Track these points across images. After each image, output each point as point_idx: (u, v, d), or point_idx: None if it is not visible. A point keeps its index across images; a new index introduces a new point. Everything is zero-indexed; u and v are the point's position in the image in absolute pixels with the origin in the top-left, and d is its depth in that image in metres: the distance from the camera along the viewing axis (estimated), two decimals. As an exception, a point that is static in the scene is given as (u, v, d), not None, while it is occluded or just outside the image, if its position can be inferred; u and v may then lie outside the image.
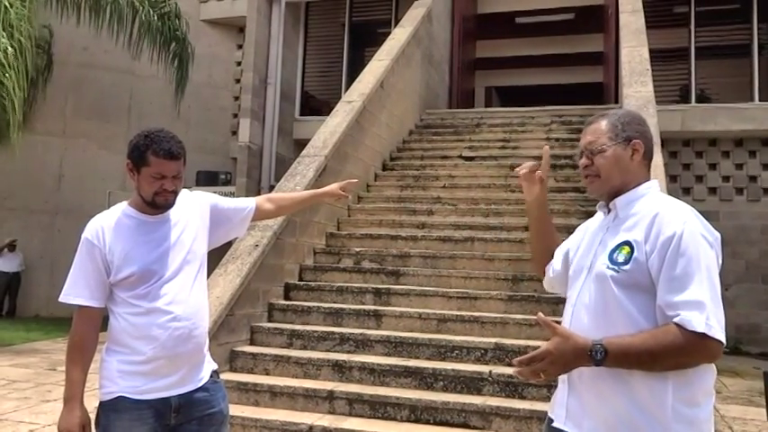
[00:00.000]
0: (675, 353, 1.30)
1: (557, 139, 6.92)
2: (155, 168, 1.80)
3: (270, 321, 4.53)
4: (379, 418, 3.58)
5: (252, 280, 4.32)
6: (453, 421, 3.48)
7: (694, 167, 8.65)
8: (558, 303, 3.84)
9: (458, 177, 6.35)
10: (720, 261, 1.40)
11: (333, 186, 2.34)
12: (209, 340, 2.00)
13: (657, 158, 4.10)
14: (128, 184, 1.77)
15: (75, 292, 1.81)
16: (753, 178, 8.46)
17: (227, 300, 4.04)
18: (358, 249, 5.24)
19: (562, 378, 1.48)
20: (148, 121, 9.47)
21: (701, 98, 8.87)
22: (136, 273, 1.79)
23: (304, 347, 4.21)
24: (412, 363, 3.89)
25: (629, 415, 1.34)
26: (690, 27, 8.89)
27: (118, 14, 8.76)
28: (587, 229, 1.63)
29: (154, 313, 1.79)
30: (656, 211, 1.40)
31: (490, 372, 3.67)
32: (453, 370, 3.74)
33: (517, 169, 1.73)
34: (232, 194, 9.06)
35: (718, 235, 1.41)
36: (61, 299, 1.83)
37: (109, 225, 1.84)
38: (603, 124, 1.53)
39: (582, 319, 1.44)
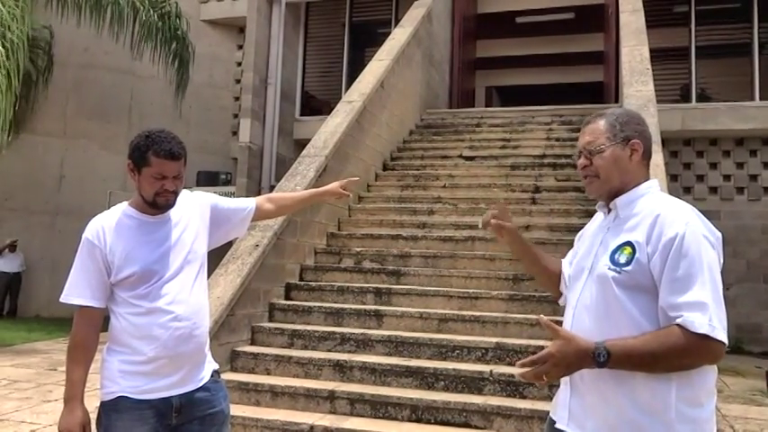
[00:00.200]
0: (678, 354, 1.29)
1: (557, 139, 6.92)
2: (156, 169, 1.80)
3: (271, 321, 4.53)
4: (380, 417, 3.58)
5: (253, 280, 4.32)
6: (454, 421, 3.48)
7: (695, 167, 8.65)
8: (558, 303, 3.83)
9: (458, 177, 6.35)
10: (722, 261, 1.39)
11: (334, 185, 2.34)
12: (210, 340, 2.00)
13: (658, 158, 4.10)
14: (128, 185, 1.78)
15: (76, 292, 1.81)
16: (753, 177, 8.45)
17: (228, 300, 4.04)
18: (359, 249, 5.24)
19: (564, 379, 1.48)
20: (149, 121, 9.48)
21: (702, 97, 8.86)
22: (137, 273, 1.80)
23: (305, 347, 4.21)
24: (413, 362, 3.89)
25: (632, 416, 1.34)
26: (690, 26, 8.89)
27: (118, 14, 8.76)
28: (586, 232, 1.62)
29: (155, 313, 1.79)
30: (657, 212, 1.39)
31: (491, 371, 3.67)
32: (454, 370, 3.74)
33: (480, 224, 1.75)
34: (232, 195, 9.06)
35: (719, 235, 1.40)
36: (62, 299, 1.83)
37: (109, 225, 1.84)
38: (602, 124, 1.52)
39: (583, 320, 1.44)
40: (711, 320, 1.29)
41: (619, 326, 1.36)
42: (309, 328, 4.35)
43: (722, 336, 1.29)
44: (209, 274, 3.00)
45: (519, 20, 10.91)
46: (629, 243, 1.40)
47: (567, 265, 1.65)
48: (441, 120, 8.11)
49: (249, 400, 3.79)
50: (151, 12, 9.10)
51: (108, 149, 10.17)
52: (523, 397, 3.57)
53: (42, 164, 10.24)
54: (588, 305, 1.44)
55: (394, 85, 6.94)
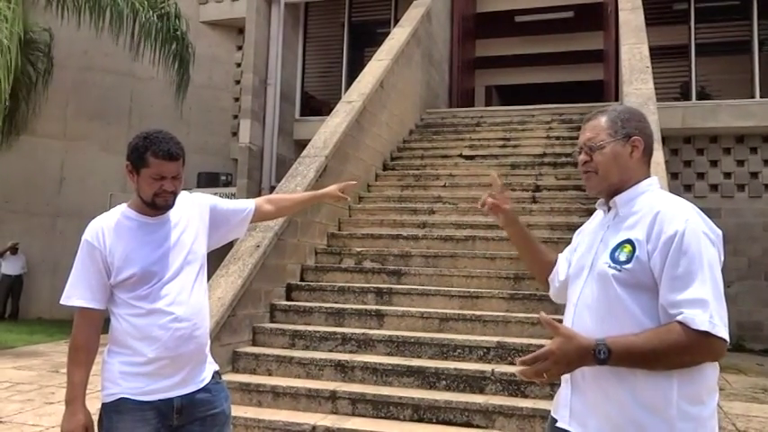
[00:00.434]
0: (679, 352, 1.29)
1: (557, 138, 6.92)
2: (154, 169, 1.80)
3: (272, 322, 4.53)
4: (382, 417, 3.58)
5: (253, 280, 4.32)
6: (456, 420, 3.48)
7: (695, 164, 8.65)
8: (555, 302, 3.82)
9: (458, 176, 6.35)
10: (722, 258, 1.39)
11: (332, 188, 2.36)
12: (212, 341, 2.00)
13: (658, 156, 4.10)
14: (129, 186, 1.77)
15: (77, 294, 1.81)
16: (754, 175, 8.45)
17: (229, 300, 4.04)
18: (359, 249, 5.24)
19: (565, 378, 1.47)
20: (149, 122, 9.48)
21: (702, 95, 8.86)
22: (136, 274, 1.80)
23: (306, 348, 4.21)
24: (414, 362, 3.89)
25: (634, 412, 1.34)
26: (690, 24, 8.88)
27: (118, 16, 8.76)
28: (585, 230, 1.62)
29: (155, 314, 1.79)
30: (657, 209, 1.39)
31: (493, 370, 3.67)
32: (456, 369, 3.74)
33: (479, 204, 1.77)
34: (233, 196, 9.07)
35: (719, 232, 1.40)
36: (62, 301, 1.83)
37: (109, 227, 1.85)
38: (603, 120, 1.51)
39: (584, 318, 1.43)
40: (712, 318, 1.28)
41: (620, 324, 1.36)
42: (310, 328, 4.35)
43: (723, 333, 1.29)
44: (210, 275, 3.01)
45: (518, 19, 10.91)
46: (629, 241, 1.40)
47: (565, 261, 1.65)
48: (440, 119, 8.11)
49: (251, 400, 3.79)
50: (150, 13, 9.10)
51: (108, 151, 10.18)
52: (525, 396, 3.56)
53: (43, 166, 10.25)
54: (589, 303, 1.44)
55: (393, 84, 6.94)
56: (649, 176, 1.51)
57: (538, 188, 5.88)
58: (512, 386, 3.60)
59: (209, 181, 10.05)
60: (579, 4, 10.13)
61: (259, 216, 2.20)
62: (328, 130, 5.60)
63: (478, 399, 3.53)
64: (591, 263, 1.48)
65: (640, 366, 1.33)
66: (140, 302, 1.80)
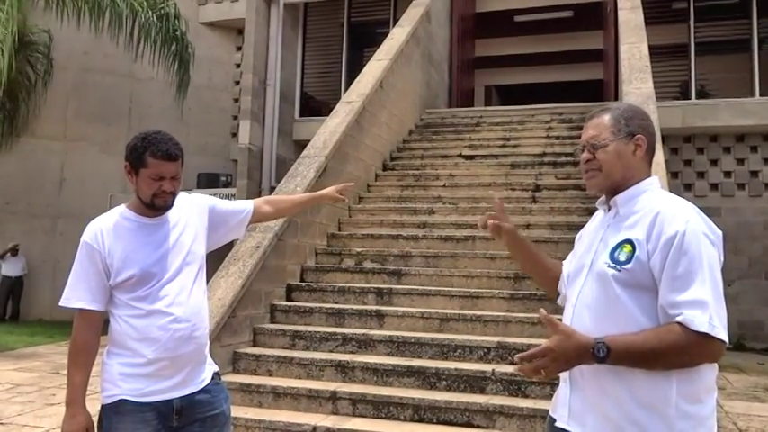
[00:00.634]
0: (678, 352, 1.29)
1: (557, 137, 6.92)
2: (153, 170, 1.80)
3: (272, 322, 4.53)
4: (382, 418, 3.58)
5: (254, 281, 4.32)
6: (457, 420, 3.48)
7: (695, 163, 8.64)
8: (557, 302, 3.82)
9: (458, 176, 6.35)
10: (722, 258, 1.39)
11: (330, 190, 2.38)
12: (212, 342, 2.01)
13: (658, 155, 4.10)
14: (129, 187, 1.77)
15: (76, 295, 1.81)
16: (754, 173, 8.45)
17: (230, 301, 4.04)
18: (359, 249, 5.24)
19: (563, 377, 1.47)
20: (149, 123, 9.48)
21: (702, 94, 8.85)
22: (136, 275, 1.80)
23: (307, 348, 4.21)
24: (415, 362, 3.88)
25: (631, 410, 1.33)
26: (689, 23, 8.88)
27: (117, 17, 8.76)
28: (585, 231, 1.62)
29: (154, 315, 1.79)
30: (657, 210, 1.38)
31: (493, 370, 3.67)
32: (456, 369, 3.74)
33: (479, 225, 1.77)
34: (233, 196, 9.07)
35: (719, 233, 1.40)
36: (62, 303, 1.83)
37: (108, 228, 1.85)
38: (606, 119, 1.51)
39: (583, 318, 1.43)
40: (712, 319, 1.28)
41: (618, 324, 1.36)
42: (311, 328, 4.35)
43: (722, 334, 1.28)
44: (210, 276, 3.01)
45: (518, 18, 10.91)
46: (628, 241, 1.39)
47: (569, 265, 1.64)
48: (440, 119, 8.11)
49: (251, 401, 3.79)
50: (150, 13, 9.11)
51: (108, 152, 10.18)
52: (526, 396, 3.56)
53: (43, 167, 10.25)
54: (588, 303, 1.44)
55: (393, 84, 6.94)
56: (650, 175, 1.51)
57: (538, 188, 5.88)
58: (512, 386, 3.60)
59: (208, 182, 10.06)
60: (578, 3, 10.13)
61: (258, 217, 2.21)
62: (328, 131, 5.60)
63: (479, 399, 3.53)
64: (590, 262, 1.47)
65: (639, 366, 1.33)
66: (140, 303, 1.80)
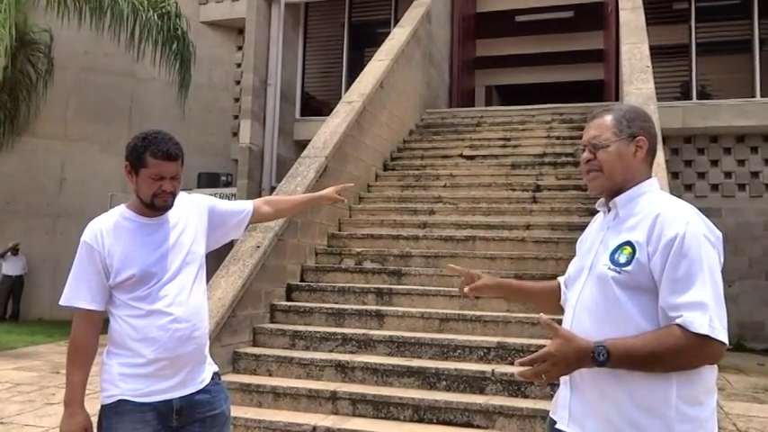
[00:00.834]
0: (678, 354, 1.29)
1: (557, 137, 6.91)
2: (153, 170, 1.80)
3: (272, 322, 4.53)
4: (382, 418, 3.58)
5: (254, 281, 4.32)
6: (457, 421, 3.48)
7: (696, 164, 8.64)
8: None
9: (459, 176, 6.34)
10: (722, 260, 1.38)
11: (329, 190, 2.39)
12: (212, 341, 2.01)
13: (659, 155, 4.10)
14: (129, 187, 1.77)
15: (77, 295, 1.81)
16: (755, 174, 8.44)
17: (230, 301, 4.04)
18: (359, 250, 5.24)
19: (564, 379, 1.47)
20: (149, 123, 9.49)
21: (702, 94, 8.85)
22: (135, 275, 1.80)
23: (306, 348, 4.21)
24: (415, 362, 3.88)
25: (633, 414, 1.33)
26: (690, 23, 8.87)
27: (118, 16, 8.76)
28: (586, 234, 1.61)
29: (154, 315, 1.79)
30: (657, 212, 1.38)
31: (493, 371, 3.67)
32: (456, 369, 3.74)
33: (463, 296, 1.82)
34: (233, 196, 9.08)
35: (720, 234, 1.39)
36: (62, 302, 1.83)
37: (108, 228, 1.84)
38: (608, 119, 1.51)
39: (583, 321, 1.43)
40: (712, 321, 1.28)
41: (618, 326, 1.35)
42: (311, 328, 4.35)
43: (722, 336, 1.28)
44: (210, 276, 3.01)
45: (518, 18, 10.91)
46: (628, 243, 1.39)
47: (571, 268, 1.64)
48: (441, 119, 8.11)
49: (251, 401, 3.79)
50: (151, 12, 9.11)
51: (108, 152, 10.18)
52: (526, 396, 3.56)
53: (43, 167, 10.26)
54: (588, 305, 1.43)
55: (393, 84, 6.94)
56: (651, 177, 1.51)
57: (538, 188, 5.88)
58: (512, 386, 3.60)
59: (209, 181, 10.06)
60: (579, 3, 10.13)
61: (257, 218, 2.21)
62: (328, 131, 5.60)
63: (479, 399, 3.53)
64: (590, 264, 1.47)
65: (639, 368, 1.32)
66: (139, 303, 1.80)
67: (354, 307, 4.52)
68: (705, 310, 1.28)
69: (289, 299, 4.79)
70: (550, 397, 2.19)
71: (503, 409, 3.42)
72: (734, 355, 7.05)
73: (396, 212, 5.87)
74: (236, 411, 3.34)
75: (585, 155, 1.52)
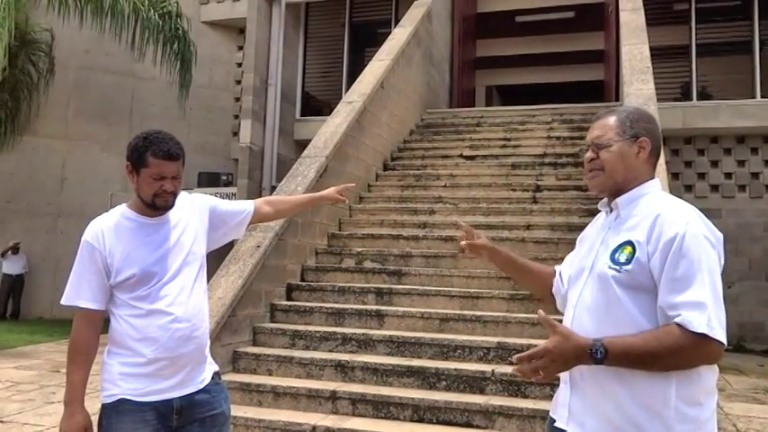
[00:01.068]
0: (676, 353, 1.29)
1: (558, 138, 6.91)
2: (154, 169, 1.80)
3: (272, 322, 4.54)
4: (382, 418, 3.58)
5: (254, 281, 4.32)
6: (456, 421, 3.48)
7: (696, 165, 8.64)
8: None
9: (459, 177, 6.35)
10: (722, 262, 1.39)
11: (330, 190, 2.40)
12: (212, 341, 2.01)
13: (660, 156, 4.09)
14: (130, 186, 1.78)
15: (78, 294, 1.82)
16: (755, 175, 8.44)
17: (230, 301, 4.05)
18: (360, 249, 5.24)
19: (564, 378, 1.48)
20: (150, 122, 9.49)
21: (703, 95, 8.85)
22: (136, 274, 1.80)
23: (307, 348, 4.22)
24: (414, 362, 3.89)
25: (632, 413, 1.34)
26: (690, 24, 8.88)
27: (119, 15, 8.77)
28: (587, 232, 1.62)
29: (154, 315, 1.79)
30: (657, 212, 1.39)
31: (493, 371, 3.67)
32: (456, 369, 3.74)
33: (461, 254, 1.78)
34: (233, 196, 9.08)
35: (720, 236, 1.40)
36: (63, 302, 1.83)
37: (108, 227, 1.85)
38: (612, 120, 1.52)
39: (583, 320, 1.43)
40: (710, 320, 1.28)
41: (618, 325, 1.36)
42: (311, 328, 4.35)
43: (721, 336, 1.29)
44: (210, 275, 3.01)
45: (519, 19, 10.91)
46: (629, 242, 1.40)
47: (568, 266, 1.64)
48: (441, 119, 8.11)
49: (251, 400, 3.80)
50: (152, 12, 9.11)
51: (109, 151, 10.19)
52: (526, 396, 3.57)
53: (44, 166, 10.27)
54: (588, 304, 1.44)
55: (394, 84, 6.94)
56: (653, 178, 1.52)
57: (538, 188, 5.88)
58: (512, 386, 3.60)
59: (209, 181, 10.06)
60: (580, 4, 10.13)
61: (258, 218, 2.21)
62: (329, 131, 5.61)
63: (479, 399, 3.53)
64: (591, 264, 1.48)
65: (637, 367, 1.33)
66: (140, 303, 1.80)
67: (354, 307, 4.52)
68: (703, 310, 1.29)
69: (289, 298, 4.79)
70: (550, 397, 2.19)
71: (503, 409, 3.42)
72: (734, 355, 7.05)
73: (396, 212, 5.88)
74: (236, 411, 3.34)
75: (588, 154, 1.54)
